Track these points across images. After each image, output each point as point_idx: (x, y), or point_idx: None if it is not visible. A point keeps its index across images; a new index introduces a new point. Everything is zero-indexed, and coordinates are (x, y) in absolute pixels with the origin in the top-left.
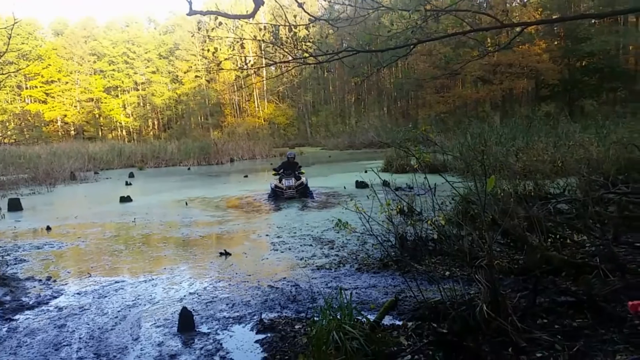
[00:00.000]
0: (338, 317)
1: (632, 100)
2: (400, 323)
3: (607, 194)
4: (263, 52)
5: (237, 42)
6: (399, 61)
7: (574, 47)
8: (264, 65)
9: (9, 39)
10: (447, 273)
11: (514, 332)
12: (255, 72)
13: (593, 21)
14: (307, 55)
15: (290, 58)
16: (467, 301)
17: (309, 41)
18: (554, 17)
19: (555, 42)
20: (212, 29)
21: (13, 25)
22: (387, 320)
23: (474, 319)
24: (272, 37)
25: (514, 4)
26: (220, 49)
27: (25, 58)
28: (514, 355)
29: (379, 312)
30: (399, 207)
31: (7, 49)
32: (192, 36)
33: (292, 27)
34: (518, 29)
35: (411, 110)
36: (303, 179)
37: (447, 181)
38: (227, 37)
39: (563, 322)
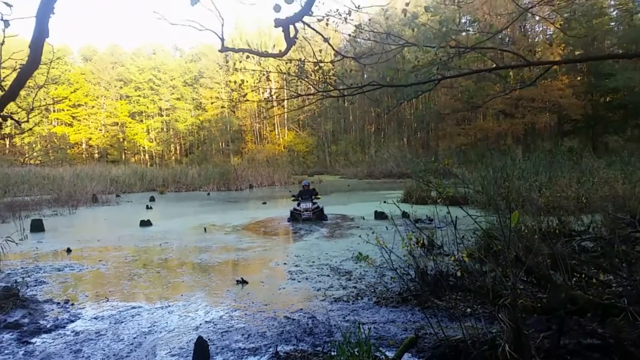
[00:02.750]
0: (356, 353)
1: None
2: None
3: (634, 232)
4: (287, 83)
5: (263, 74)
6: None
7: (598, 82)
8: (288, 97)
9: (48, 71)
10: (469, 310)
11: None
12: (279, 103)
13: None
14: (331, 88)
15: (314, 90)
16: (489, 340)
17: (332, 74)
18: (577, 53)
19: (579, 78)
20: (240, 61)
21: (51, 61)
22: (406, 358)
23: (496, 359)
24: (297, 70)
25: (536, 39)
26: (246, 81)
27: (54, 82)
28: None
29: (398, 350)
30: (420, 240)
31: (45, 81)
32: (220, 68)
33: (319, 62)
34: (541, 68)
35: (431, 142)
36: (319, 203)
37: (469, 215)
38: (253, 70)
39: None
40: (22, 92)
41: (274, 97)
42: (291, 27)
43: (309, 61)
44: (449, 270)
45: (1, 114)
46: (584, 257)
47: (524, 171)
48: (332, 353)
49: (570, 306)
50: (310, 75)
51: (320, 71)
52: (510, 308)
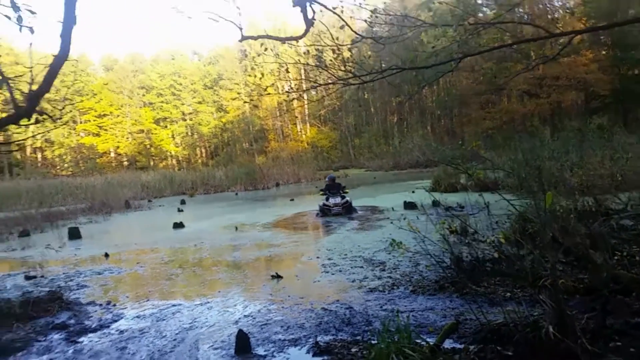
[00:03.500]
0: (396, 339)
1: None
2: (461, 346)
3: None
4: (307, 74)
5: (283, 66)
6: (440, 79)
7: (624, 55)
8: (308, 87)
9: (72, 84)
10: (508, 294)
11: (584, 355)
12: (300, 95)
13: None
14: (351, 76)
15: (333, 80)
16: (531, 323)
17: (351, 62)
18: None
19: (603, 52)
20: (259, 54)
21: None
22: (447, 344)
23: (540, 341)
24: (315, 61)
25: (555, 14)
26: (265, 75)
27: (79, 93)
28: None
29: (439, 335)
30: (453, 227)
31: (67, 92)
32: (239, 62)
33: (337, 47)
34: (565, 38)
35: (456, 128)
36: (347, 197)
37: (503, 198)
38: (272, 63)
39: (638, 345)
40: (49, 106)
41: (294, 89)
42: (309, 8)
43: (329, 47)
44: (485, 255)
45: (37, 109)
46: (624, 236)
47: (554, 151)
48: (372, 341)
49: (614, 285)
50: (330, 64)
51: (339, 58)
52: (551, 289)
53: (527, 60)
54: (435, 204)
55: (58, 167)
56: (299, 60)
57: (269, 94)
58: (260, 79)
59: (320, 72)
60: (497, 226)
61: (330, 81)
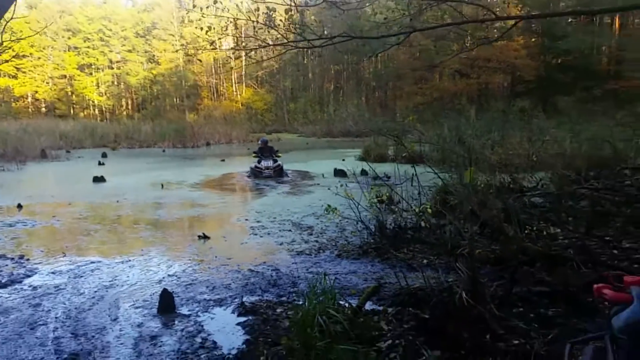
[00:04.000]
0: (321, 301)
1: (603, 99)
2: (380, 308)
3: (579, 189)
4: (255, 32)
5: (230, 21)
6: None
7: (551, 44)
8: (255, 47)
9: None
10: (426, 261)
11: (492, 320)
12: (246, 54)
13: (570, 20)
14: (301, 39)
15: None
16: (447, 288)
17: (298, 26)
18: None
19: (533, 39)
20: (207, 7)
21: None
22: (368, 306)
23: (454, 305)
24: (266, 19)
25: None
26: (214, 28)
27: None
28: (492, 342)
29: (362, 297)
30: (383, 195)
31: None
32: (177, 12)
33: (290, 8)
34: (505, 22)
35: (389, 101)
36: (279, 161)
37: (432, 170)
38: (218, 16)
39: (538, 311)
40: None
41: (240, 46)
42: None
43: (280, 4)
44: (407, 224)
45: None
46: (533, 212)
47: (477, 130)
48: (297, 302)
49: (522, 257)
50: (279, 25)
51: (291, 20)
52: (468, 258)
53: (463, 40)
54: (364, 172)
55: None
56: (249, 17)
57: (214, 49)
58: (207, 32)
59: (268, 32)
60: (420, 197)
61: (279, 42)
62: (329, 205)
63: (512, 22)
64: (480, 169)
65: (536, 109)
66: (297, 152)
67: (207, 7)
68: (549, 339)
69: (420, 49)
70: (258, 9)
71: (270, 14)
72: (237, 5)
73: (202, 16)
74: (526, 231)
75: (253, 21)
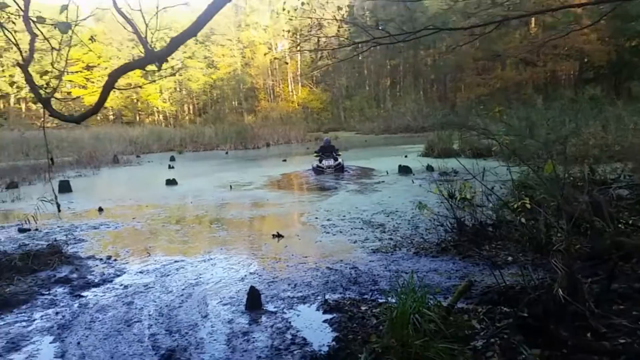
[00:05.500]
0: (416, 299)
1: None
2: (469, 307)
3: None
4: (339, 31)
5: (315, 22)
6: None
7: (624, 26)
8: (340, 46)
9: (70, 38)
10: (510, 258)
11: (592, 317)
12: (329, 53)
13: None
14: (386, 34)
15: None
16: (544, 285)
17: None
18: None
19: (603, 22)
20: (295, 9)
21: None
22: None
23: (553, 303)
24: (348, 18)
25: None
26: (294, 31)
27: (67, 44)
28: (595, 341)
29: (454, 296)
30: (462, 192)
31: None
32: (235, 17)
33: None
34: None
35: (449, 94)
36: (340, 159)
37: (507, 166)
38: (307, 18)
39: None
40: (36, 56)
41: (325, 45)
42: None
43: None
44: (486, 220)
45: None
46: (621, 204)
47: (550, 120)
48: (379, 300)
49: (616, 252)
50: (362, 24)
51: (373, 18)
52: (564, 254)
53: (527, 27)
54: (430, 168)
55: (42, 119)
56: (334, 16)
57: (301, 50)
58: (294, 34)
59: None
60: (493, 192)
61: (357, 40)
62: (420, 202)
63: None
64: (557, 161)
65: (608, 96)
66: (356, 149)
67: (295, 9)
68: None
69: (480, 39)
70: (340, 9)
71: (353, 12)
72: (322, 5)
73: (290, 18)
74: (621, 225)
75: (338, 20)
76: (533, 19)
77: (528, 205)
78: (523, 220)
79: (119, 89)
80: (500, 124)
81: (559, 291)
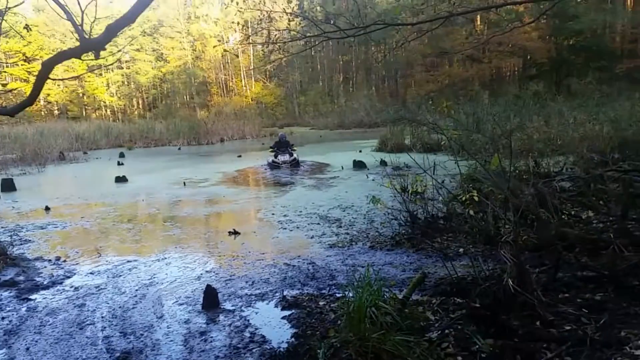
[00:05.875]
0: (372, 292)
1: (618, 79)
2: (423, 298)
3: (608, 171)
4: (288, 24)
5: (264, 14)
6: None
7: (562, 25)
8: (291, 39)
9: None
10: (461, 250)
11: (540, 306)
12: (280, 47)
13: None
14: (335, 29)
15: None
16: (495, 276)
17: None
18: None
19: (543, 21)
20: (244, 0)
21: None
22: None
23: (504, 293)
24: (298, 10)
25: None
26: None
27: (5, 35)
28: (543, 329)
29: (409, 288)
30: (414, 186)
31: None
32: (183, 9)
33: None
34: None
35: (400, 90)
36: (295, 155)
37: (455, 160)
38: (252, 9)
39: (585, 297)
40: None
41: (276, 39)
42: None
43: None
44: (437, 213)
45: None
46: (564, 196)
47: (495, 116)
48: (337, 294)
49: (560, 242)
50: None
51: (322, 11)
52: (512, 245)
53: (472, 25)
54: (383, 163)
55: None
56: (284, 9)
57: (251, 43)
58: (243, 27)
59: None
60: (443, 186)
61: (308, 34)
62: (373, 197)
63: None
64: (503, 155)
65: (549, 92)
66: (311, 145)
67: (244, 1)
68: (601, 324)
69: (428, 36)
70: (290, 2)
71: (302, 5)
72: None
73: (240, 10)
74: (564, 216)
75: (288, 13)
76: (478, 16)
77: (476, 198)
78: (472, 212)
79: (56, 80)
80: (449, 119)
81: (508, 281)
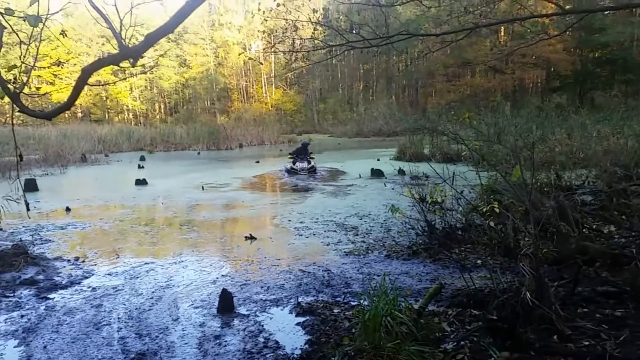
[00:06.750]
0: (388, 302)
1: None
2: (439, 309)
3: (632, 185)
4: (314, 33)
5: (290, 24)
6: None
7: (588, 37)
8: (314, 48)
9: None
10: (479, 261)
11: (558, 320)
12: (304, 55)
13: (607, 12)
14: (360, 39)
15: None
16: (513, 289)
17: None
18: (567, 7)
19: (568, 33)
20: (270, 10)
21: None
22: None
23: (521, 306)
24: (323, 20)
25: None
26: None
27: (35, 40)
28: (560, 343)
29: (425, 298)
30: (432, 196)
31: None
32: (208, 16)
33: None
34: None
35: (420, 99)
36: (313, 162)
37: (477, 170)
38: (283, 19)
39: (604, 312)
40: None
41: (300, 47)
42: None
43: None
44: (456, 223)
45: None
46: (586, 210)
47: (517, 127)
48: (352, 303)
49: (580, 256)
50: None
51: (347, 21)
52: (532, 258)
53: (496, 36)
54: (401, 172)
55: (8, 115)
56: (309, 18)
57: (276, 51)
58: (269, 35)
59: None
60: (462, 196)
61: (337, 43)
62: (392, 206)
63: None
64: (524, 167)
65: (573, 104)
66: (329, 152)
67: (270, 10)
68: (621, 341)
69: (452, 46)
70: (316, 11)
71: (327, 14)
72: (297, 7)
73: (265, 19)
74: (586, 230)
75: (313, 22)
76: (502, 28)
77: (497, 210)
78: (492, 224)
79: (89, 85)
80: (470, 129)
81: (526, 294)
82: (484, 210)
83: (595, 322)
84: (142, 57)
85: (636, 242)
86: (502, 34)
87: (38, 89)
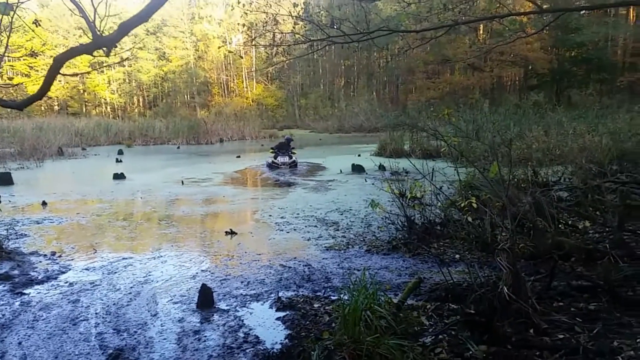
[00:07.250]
0: (367, 296)
1: (618, 91)
2: (418, 303)
3: (606, 182)
4: (294, 28)
5: (270, 18)
6: (390, 46)
7: (565, 37)
8: (294, 42)
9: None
10: (457, 256)
11: (534, 314)
12: (285, 50)
13: (583, 12)
14: (341, 34)
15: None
16: (490, 283)
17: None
18: (544, 7)
19: (546, 32)
20: (251, 3)
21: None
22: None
23: (499, 300)
24: (303, 14)
25: None
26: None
27: (6, 30)
28: (536, 337)
29: (404, 292)
30: (412, 191)
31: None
32: (187, 9)
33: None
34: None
35: (401, 96)
36: (294, 157)
37: (455, 166)
38: (260, 12)
39: (579, 306)
40: None
41: (280, 42)
42: None
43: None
44: (434, 219)
45: None
46: (561, 206)
47: (495, 124)
48: (332, 297)
49: (556, 251)
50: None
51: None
52: (509, 252)
53: (475, 33)
54: (382, 167)
55: None
56: (290, 12)
57: (257, 45)
58: (249, 28)
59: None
60: (441, 192)
61: (313, 38)
62: (372, 201)
63: (553, 15)
64: (502, 163)
65: (550, 102)
66: (310, 148)
67: (250, 4)
68: (594, 334)
69: (431, 44)
70: (296, 5)
71: (308, 9)
72: (278, 1)
73: (245, 13)
74: (561, 225)
75: (294, 16)
76: (481, 25)
77: (474, 205)
78: (470, 219)
79: (64, 75)
80: (449, 126)
81: (503, 289)
82: (462, 205)
83: (570, 316)
84: (116, 47)
85: (609, 238)
86: (481, 31)
87: (10, 79)
